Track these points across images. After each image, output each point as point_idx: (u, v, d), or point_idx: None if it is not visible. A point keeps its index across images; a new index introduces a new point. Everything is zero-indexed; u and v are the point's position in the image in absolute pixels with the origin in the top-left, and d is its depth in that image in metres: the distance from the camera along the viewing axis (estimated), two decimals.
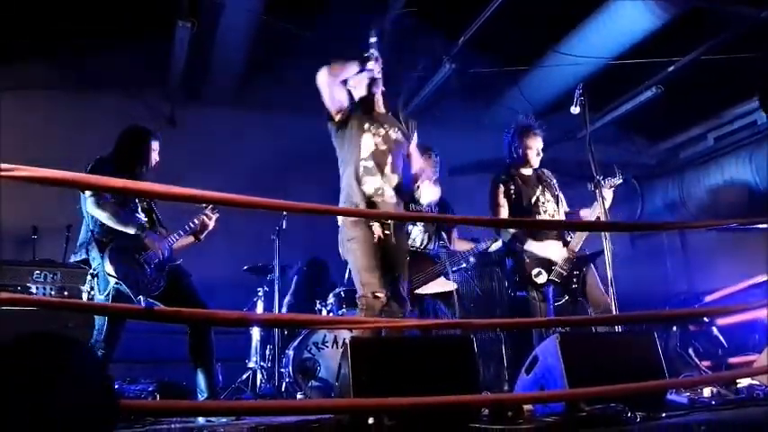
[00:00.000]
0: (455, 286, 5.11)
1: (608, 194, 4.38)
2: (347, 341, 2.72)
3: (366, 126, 4.00)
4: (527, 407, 2.86)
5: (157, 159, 4.63)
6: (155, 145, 4.59)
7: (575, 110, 4.37)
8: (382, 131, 4.03)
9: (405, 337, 2.99)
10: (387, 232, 3.85)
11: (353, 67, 4.12)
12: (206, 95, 8.18)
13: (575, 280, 4.30)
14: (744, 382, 3.47)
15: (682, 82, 7.80)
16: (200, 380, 4.25)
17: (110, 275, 4.12)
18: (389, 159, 3.96)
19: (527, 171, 4.92)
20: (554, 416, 2.74)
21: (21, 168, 1.96)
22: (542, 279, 4.43)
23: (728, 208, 8.35)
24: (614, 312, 3.62)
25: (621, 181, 4.47)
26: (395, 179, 3.95)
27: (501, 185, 4.83)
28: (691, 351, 4.95)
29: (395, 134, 4.09)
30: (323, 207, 3.04)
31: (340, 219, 3.98)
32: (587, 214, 4.63)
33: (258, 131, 8.00)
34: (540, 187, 4.83)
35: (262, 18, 6.90)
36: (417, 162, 4.05)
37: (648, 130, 9.68)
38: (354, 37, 8.32)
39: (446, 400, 2.41)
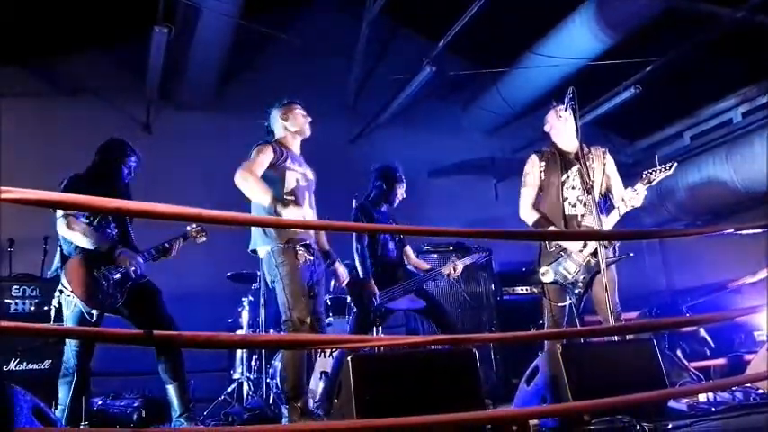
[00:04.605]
0: (424, 304, 5.02)
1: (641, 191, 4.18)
2: (349, 359, 2.65)
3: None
4: (533, 421, 2.81)
5: (133, 174, 4.52)
6: (133, 161, 4.48)
7: (565, 114, 4.31)
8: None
9: (406, 353, 2.93)
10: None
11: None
12: (181, 101, 8.04)
13: (580, 284, 4.18)
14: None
15: (658, 81, 7.84)
16: (174, 398, 4.15)
17: (66, 288, 4.03)
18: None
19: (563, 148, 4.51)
20: (560, 430, 2.70)
21: (16, 191, 1.88)
22: (548, 278, 4.32)
23: (707, 206, 8.45)
24: (611, 322, 3.57)
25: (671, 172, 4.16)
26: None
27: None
28: (679, 352, 4.95)
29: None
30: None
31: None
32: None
33: (235, 137, 7.85)
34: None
35: (238, 22, 6.80)
36: None
37: (625, 129, 9.75)
38: (331, 40, 8.33)
39: (453, 418, 2.35)
